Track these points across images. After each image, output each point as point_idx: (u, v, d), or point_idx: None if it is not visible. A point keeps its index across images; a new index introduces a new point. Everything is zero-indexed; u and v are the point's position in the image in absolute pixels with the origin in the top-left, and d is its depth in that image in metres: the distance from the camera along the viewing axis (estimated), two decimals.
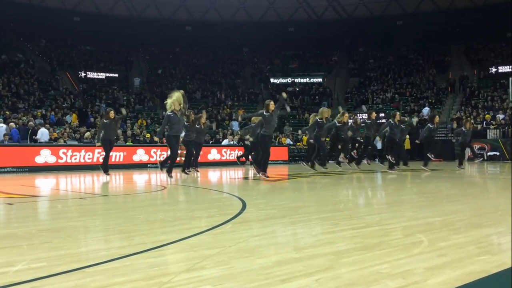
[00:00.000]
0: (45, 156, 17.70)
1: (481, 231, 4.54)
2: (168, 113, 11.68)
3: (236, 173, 16.65)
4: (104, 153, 13.56)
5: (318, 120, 14.22)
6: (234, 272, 3.11)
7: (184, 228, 4.85)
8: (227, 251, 3.71)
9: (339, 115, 14.63)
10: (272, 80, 39.59)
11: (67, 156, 18.15)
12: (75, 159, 18.34)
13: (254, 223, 5.23)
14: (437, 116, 15.82)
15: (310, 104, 36.22)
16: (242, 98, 36.96)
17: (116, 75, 36.74)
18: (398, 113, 15.35)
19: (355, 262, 3.33)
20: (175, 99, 11.61)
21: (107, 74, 36.22)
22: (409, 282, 2.85)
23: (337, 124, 14.42)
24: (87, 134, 20.97)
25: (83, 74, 34.96)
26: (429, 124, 15.15)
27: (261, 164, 12.13)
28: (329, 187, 10.55)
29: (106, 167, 13.60)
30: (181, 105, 11.69)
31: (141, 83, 36.75)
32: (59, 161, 18.03)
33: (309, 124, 15.32)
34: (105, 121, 13.27)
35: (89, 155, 18.82)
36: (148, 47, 41.09)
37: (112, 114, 13.34)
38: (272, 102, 12.00)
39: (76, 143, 20.14)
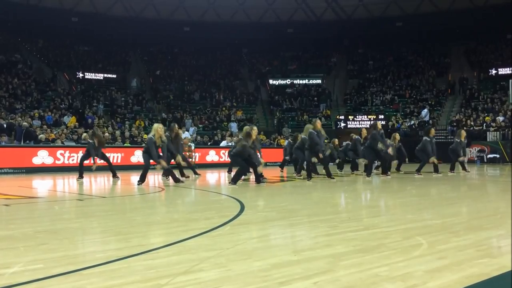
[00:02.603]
0: (42, 157, 17.65)
1: (481, 234, 4.53)
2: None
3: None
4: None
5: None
6: (232, 274, 3.09)
7: (182, 230, 4.84)
8: (225, 253, 3.70)
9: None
10: (271, 81, 39.52)
11: (65, 157, 18.11)
12: (73, 160, 18.27)
13: (253, 225, 5.21)
14: (432, 129, 15.28)
15: (309, 106, 36.21)
16: (240, 99, 36.95)
17: (114, 75, 36.61)
18: (379, 122, 15.00)
19: (354, 265, 3.32)
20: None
21: (105, 75, 36.07)
22: (408, 285, 2.84)
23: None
24: (85, 135, 20.90)
25: (81, 75, 34.82)
26: (425, 137, 14.83)
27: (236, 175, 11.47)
28: (328, 189, 10.53)
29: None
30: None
31: (139, 84, 36.70)
32: (57, 162, 17.99)
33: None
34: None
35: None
36: (146, 47, 41.00)
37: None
38: (255, 131, 11.57)
39: (73, 144, 20.08)
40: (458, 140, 15.53)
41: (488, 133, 26.08)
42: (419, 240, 4.16)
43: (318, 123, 12.85)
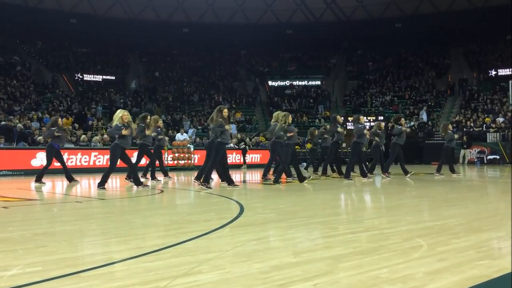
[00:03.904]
0: (41, 159, 17.59)
1: (481, 235, 4.52)
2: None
3: (234, 177, 16.58)
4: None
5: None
6: (232, 276, 3.08)
7: (181, 232, 4.82)
8: (224, 255, 3.69)
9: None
10: (270, 82, 39.53)
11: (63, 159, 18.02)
12: (72, 162, 18.23)
13: (252, 227, 5.20)
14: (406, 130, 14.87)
15: (308, 107, 36.19)
16: (239, 101, 36.92)
17: (113, 77, 36.59)
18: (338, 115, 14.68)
19: (353, 266, 3.31)
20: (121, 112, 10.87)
21: (104, 77, 36.07)
22: (408, 287, 2.83)
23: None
24: (84, 137, 20.88)
25: (79, 77, 34.84)
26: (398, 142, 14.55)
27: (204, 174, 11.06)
28: (327, 191, 10.52)
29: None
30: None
31: (137, 85, 36.66)
32: (55, 164, 17.88)
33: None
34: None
35: (85, 158, 18.74)
36: (145, 49, 41.01)
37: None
38: (227, 109, 10.99)
39: (72, 146, 20.03)
40: (450, 132, 15.27)
41: (488, 134, 26.08)
42: (419, 242, 4.14)
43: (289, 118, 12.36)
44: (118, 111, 11.01)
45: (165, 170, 14.96)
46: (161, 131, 14.42)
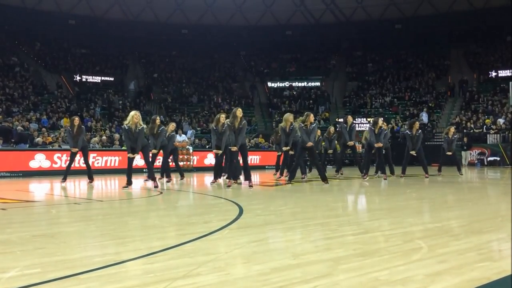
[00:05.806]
0: (39, 161, 17.60)
1: (482, 237, 4.50)
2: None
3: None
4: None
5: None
6: (231, 278, 3.07)
7: (180, 234, 4.82)
8: (223, 257, 3.67)
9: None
10: (269, 83, 39.52)
11: (62, 160, 18.01)
12: None
13: (251, 228, 5.18)
14: (417, 123, 14.68)
15: (308, 109, 36.17)
16: (238, 102, 36.91)
17: (112, 78, 36.57)
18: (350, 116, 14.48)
19: (353, 268, 3.30)
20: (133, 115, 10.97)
21: (103, 78, 36.06)
22: None
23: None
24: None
25: (78, 78, 34.83)
26: (407, 131, 14.50)
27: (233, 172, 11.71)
28: (327, 192, 10.49)
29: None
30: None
31: (136, 87, 36.65)
32: (54, 165, 17.92)
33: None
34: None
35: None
36: (144, 50, 40.96)
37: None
38: (223, 116, 11.62)
39: None
40: (446, 137, 15.30)
41: (488, 135, 26.06)
42: (419, 244, 4.13)
43: (311, 117, 12.04)
44: (132, 112, 11.19)
45: (170, 171, 14.90)
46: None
